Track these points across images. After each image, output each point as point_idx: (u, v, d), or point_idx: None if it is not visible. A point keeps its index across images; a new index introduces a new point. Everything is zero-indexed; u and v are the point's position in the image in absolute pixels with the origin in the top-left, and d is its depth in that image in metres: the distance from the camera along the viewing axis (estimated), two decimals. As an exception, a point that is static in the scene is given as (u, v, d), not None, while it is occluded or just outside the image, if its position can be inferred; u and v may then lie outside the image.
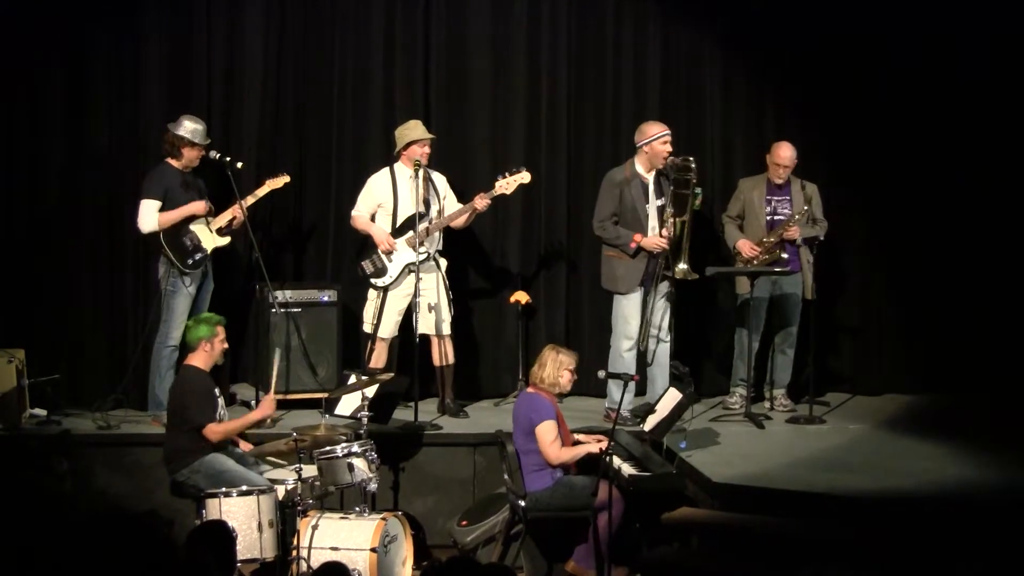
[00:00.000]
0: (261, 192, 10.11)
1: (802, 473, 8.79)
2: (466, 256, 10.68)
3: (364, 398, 8.90)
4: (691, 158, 9.91)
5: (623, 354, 10.10)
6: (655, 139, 10.00)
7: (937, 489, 8.42)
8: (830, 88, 11.02)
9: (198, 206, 9.84)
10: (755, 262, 10.21)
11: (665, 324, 10.18)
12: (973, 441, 9.50)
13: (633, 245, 9.98)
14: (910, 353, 11.29)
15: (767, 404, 10.39)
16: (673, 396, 9.07)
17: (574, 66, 11.05)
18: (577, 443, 8.85)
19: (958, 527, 7.82)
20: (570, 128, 10.99)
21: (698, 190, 9.94)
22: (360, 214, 10.23)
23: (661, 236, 9.94)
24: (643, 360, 10.20)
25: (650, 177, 10.09)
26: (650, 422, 9.19)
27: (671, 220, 9.93)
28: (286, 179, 10.20)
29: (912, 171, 11.07)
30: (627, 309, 10.12)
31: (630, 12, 11.07)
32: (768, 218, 10.35)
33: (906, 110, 11.04)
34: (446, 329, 10.18)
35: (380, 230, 10.12)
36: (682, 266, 9.95)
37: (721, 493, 8.50)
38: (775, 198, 10.35)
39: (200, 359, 8.82)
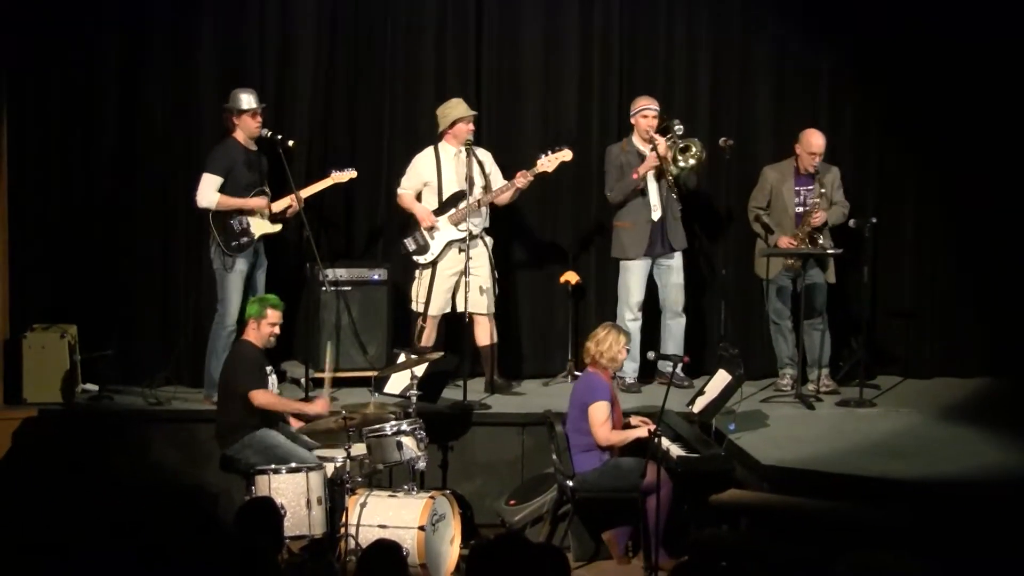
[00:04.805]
0: (323, 184, 10.13)
1: (852, 456, 8.76)
2: (516, 237, 10.67)
3: (413, 377, 8.92)
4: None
5: (627, 324, 10.25)
6: (638, 112, 10.32)
7: (987, 474, 8.38)
8: (883, 64, 10.94)
9: (260, 203, 9.86)
10: None
11: (680, 301, 10.43)
12: (1024, 425, 9.45)
13: (636, 176, 10.22)
14: (962, 337, 11.21)
15: (812, 386, 10.35)
16: (722, 378, 9.05)
17: (627, 41, 10.99)
18: (628, 426, 8.86)
19: (1008, 512, 7.77)
20: (622, 105, 10.92)
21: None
22: (405, 192, 10.27)
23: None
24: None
25: (646, 149, 10.26)
26: (699, 404, 9.18)
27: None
28: (353, 174, 10.20)
29: (966, 148, 10.95)
30: (630, 280, 10.39)
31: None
32: (799, 209, 10.28)
33: (960, 84, 10.90)
34: (488, 308, 10.18)
35: (422, 208, 10.16)
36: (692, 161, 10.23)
37: (770, 475, 8.49)
38: (804, 188, 10.28)
39: (252, 336, 8.89)
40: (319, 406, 8.90)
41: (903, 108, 10.97)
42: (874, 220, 10.19)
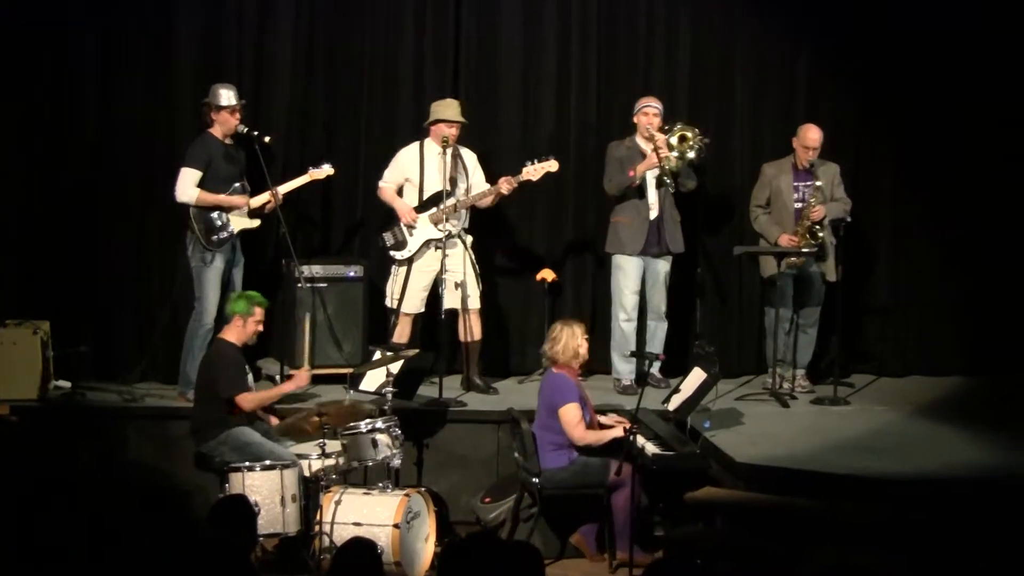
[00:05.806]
0: (301, 181, 10.11)
1: (826, 454, 8.77)
2: (493, 234, 10.64)
3: (389, 374, 8.91)
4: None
5: (621, 325, 10.29)
6: (640, 110, 10.24)
7: (961, 472, 8.40)
8: (858, 61, 10.94)
9: (240, 201, 9.83)
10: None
11: (663, 305, 10.36)
12: (998, 424, 9.46)
13: (632, 174, 10.13)
14: (936, 335, 11.23)
15: (787, 385, 10.33)
16: (697, 376, 9.06)
17: (604, 43, 10.98)
18: (603, 425, 8.86)
19: (982, 510, 7.80)
20: (600, 106, 10.94)
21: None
22: (387, 185, 10.24)
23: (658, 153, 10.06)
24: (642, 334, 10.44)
25: (647, 147, 10.18)
26: (674, 402, 9.19)
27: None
28: (330, 171, 10.16)
29: (943, 146, 10.96)
30: (623, 280, 10.28)
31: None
32: (797, 205, 10.25)
33: (938, 80, 10.92)
34: (473, 304, 10.14)
35: (403, 203, 10.13)
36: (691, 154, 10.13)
37: (745, 473, 8.50)
38: (802, 184, 10.25)
39: (233, 334, 8.86)
40: (299, 379, 8.88)
41: (879, 105, 10.99)
42: (849, 219, 10.18)
